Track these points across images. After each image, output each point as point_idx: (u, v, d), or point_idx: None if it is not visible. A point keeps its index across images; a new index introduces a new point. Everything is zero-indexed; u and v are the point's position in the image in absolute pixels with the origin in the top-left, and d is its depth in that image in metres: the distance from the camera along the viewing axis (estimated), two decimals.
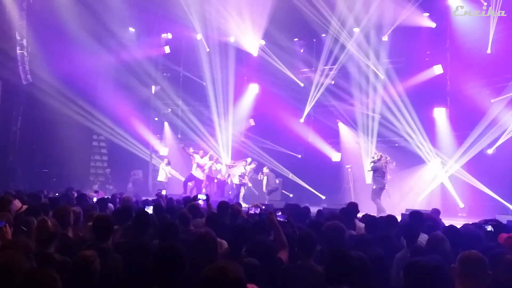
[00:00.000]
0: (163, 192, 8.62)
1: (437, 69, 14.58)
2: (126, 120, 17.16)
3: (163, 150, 18.43)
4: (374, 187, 11.89)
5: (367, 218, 5.73)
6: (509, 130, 12.46)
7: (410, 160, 14.37)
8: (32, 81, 14.38)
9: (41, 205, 6.19)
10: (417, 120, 14.47)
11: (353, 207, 6.60)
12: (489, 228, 5.00)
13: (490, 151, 12.92)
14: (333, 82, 16.82)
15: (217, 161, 15.72)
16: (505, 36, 12.84)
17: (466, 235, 4.78)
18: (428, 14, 14.55)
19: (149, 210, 5.18)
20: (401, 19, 14.57)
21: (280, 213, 5.36)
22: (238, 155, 16.56)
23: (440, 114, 14.56)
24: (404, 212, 9.08)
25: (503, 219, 6.96)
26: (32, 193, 8.53)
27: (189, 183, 15.03)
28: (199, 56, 17.78)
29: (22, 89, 14.56)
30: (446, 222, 7.08)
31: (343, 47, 16.20)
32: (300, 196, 15.73)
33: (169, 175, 15.93)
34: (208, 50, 17.74)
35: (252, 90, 18.20)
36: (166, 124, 19.03)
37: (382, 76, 15.70)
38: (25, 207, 5.41)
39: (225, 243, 4.32)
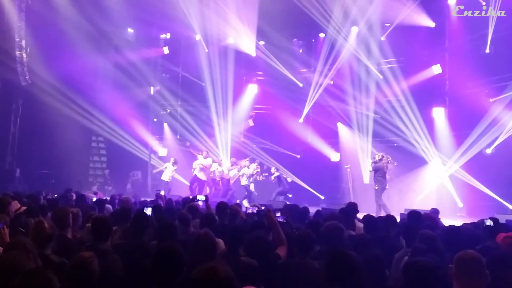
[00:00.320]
0: (162, 193, 8.62)
1: (436, 69, 14.58)
2: (125, 121, 17.13)
3: (162, 151, 18.41)
4: (376, 187, 11.87)
5: (366, 218, 5.72)
6: (507, 130, 12.48)
7: (409, 160, 14.37)
8: (31, 82, 14.37)
9: (39, 206, 6.18)
10: (416, 120, 14.46)
11: (352, 207, 6.60)
12: (489, 222, 5.00)
13: (488, 151, 12.93)
14: (332, 82, 16.83)
15: (220, 164, 15.73)
16: (504, 36, 12.84)
17: (466, 235, 4.78)
18: (427, 14, 14.55)
19: (148, 211, 5.17)
20: (400, 18, 14.59)
21: (279, 213, 5.36)
22: (237, 155, 16.53)
23: (439, 114, 14.57)
24: (403, 212, 9.08)
25: (502, 218, 6.95)
26: (31, 195, 8.51)
27: (194, 185, 14.98)
28: (198, 57, 17.76)
29: (21, 90, 14.55)
30: (445, 222, 7.09)
31: (341, 47, 16.22)
32: (299, 196, 15.72)
33: (173, 174, 15.76)
34: (207, 50, 17.72)
35: (251, 90, 18.21)
36: (165, 125, 19.01)
37: (380, 76, 15.71)
38: (24, 208, 5.40)
39: (222, 243, 4.31)
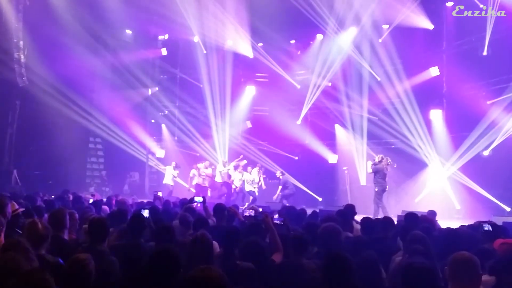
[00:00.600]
0: (159, 194, 8.62)
1: (434, 71, 14.62)
2: (123, 122, 17.12)
3: (160, 152, 18.40)
4: (376, 189, 11.83)
5: (363, 220, 5.72)
6: (504, 132, 12.51)
7: (407, 162, 14.37)
8: (28, 83, 14.34)
9: (35, 207, 6.16)
10: (414, 122, 14.48)
11: (350, 209, 6.60)
12: (487, 227, 5.01)
13: (486, 153, 12.95)
14: (329, 84, 16.86)
15: (225, 165, 15.72)
16: (501, 38, 12.88)
17: (463, 237, 4.79)
18: (424, 16, 14.57)
19: (145, 213, 5.16)
20: (398, 21, 14.61)
21: (277, 215, 5.37)
22: (235, 157, 16.54)
23: (436, 116, 14.59)
24: (400, 214, 9.08)
25: (499, 220, 6.97)
26: (28, 196, 8.49)
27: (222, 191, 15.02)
28: (196, 58, 17.79)
29: (18, 91, 14.51)
30: (442, 224, 7.10)
31: (340, 49, 16.24)
32: (296, 198, 15.70)
33: (175, 178, 15.75)
34: (205, 52, 17.74)
35: (249, 92, 18.22)
36: (163, 126, 19.00)
37: (378, 77, 15.73)
38: (21, 210, 5.38)
39: (216, 246, 4.31)
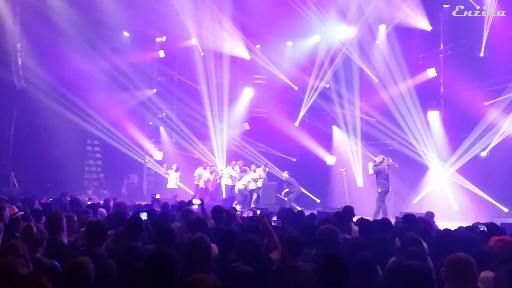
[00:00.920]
0: (157, 196, 8.61)
1: (431, 72, 14.63)
2: (121, 124, 17.10)
3: (158, 155, 18.38)
4: (379, 190, 11.82)
5: (361, 221, 5.72)
6: (502, 132, 12.53)
7: (404, 163, 14.35)
8: (26, 85, 14.32)
9: (33, 211, 6.15)
10: (411, 124, 14.50)
11: (348, 211, 6.60)
12: (482, 228, 5.05)
13: (483, 154, 12.97)
14: (327, 86, 16.87)
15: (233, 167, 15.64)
16: (498, 40, 12.90)
17: (461, 239, 4.80)
18: (422, 17, 14.59)
19: (143, 216, 5.15)
20: (395, 22, 14.65)
21: (275, 217, 5.36)
22: (233, 159, 16.51)
23: (434, 118, 14.60)
24: (398, 215, 9.09)
25: (497, 221, 6.96)
26: (26, 199, 8.46)
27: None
28: (194, 60, 17.78)
29: (16, 94, 14.48)
30: (440, 225, 7.10)
31: (337, 51, 16.26)
32: (295, 199, 15.68)
33: (178, 182, 15.68)
34: (202, 54, 17.75)
35: (247, 94, 18.22)
36: (161, 128, 18.99)
37: (376, 79, 15.75)
38: (20, 213, 5.36)
39: (215, 248, 4.30)
